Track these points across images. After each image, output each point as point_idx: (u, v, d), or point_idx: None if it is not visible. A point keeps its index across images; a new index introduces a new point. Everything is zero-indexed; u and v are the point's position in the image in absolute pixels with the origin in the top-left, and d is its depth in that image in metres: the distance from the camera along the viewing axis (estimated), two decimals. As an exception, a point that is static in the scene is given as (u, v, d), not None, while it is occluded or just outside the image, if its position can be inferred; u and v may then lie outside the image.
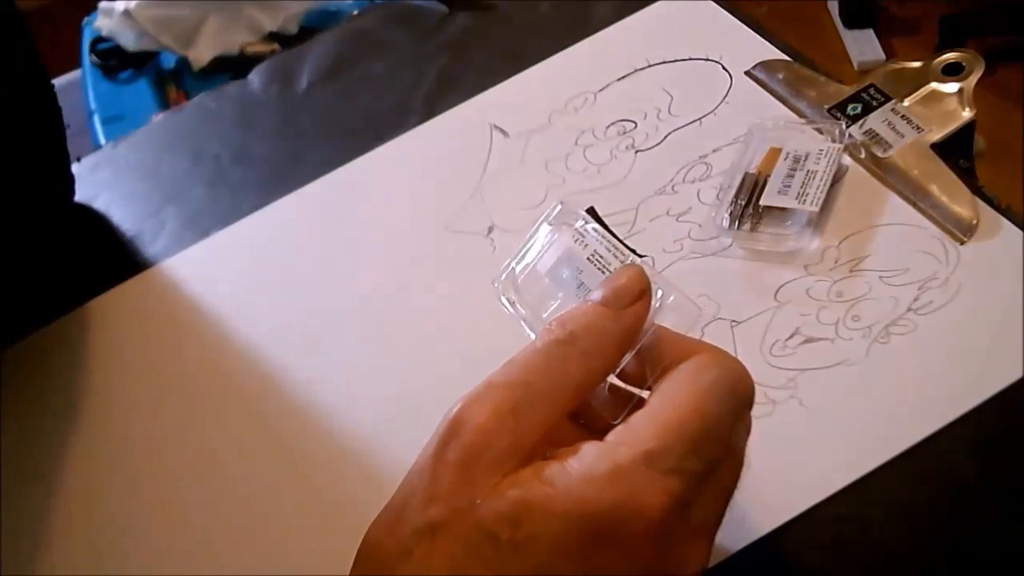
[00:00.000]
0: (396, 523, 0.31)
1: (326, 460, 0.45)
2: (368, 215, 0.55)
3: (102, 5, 1.25)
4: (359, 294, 0.51)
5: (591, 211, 0.38)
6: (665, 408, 0.32)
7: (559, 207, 0.39)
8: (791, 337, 0.44)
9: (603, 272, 0.37)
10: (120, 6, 1.21)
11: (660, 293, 0.36)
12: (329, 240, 0.54)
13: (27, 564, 0.44)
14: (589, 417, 0.36)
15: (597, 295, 0.34)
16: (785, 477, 0.39)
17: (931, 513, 0.38)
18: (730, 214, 0.48)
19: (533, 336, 0.38)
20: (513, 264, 0.40)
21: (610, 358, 0.33)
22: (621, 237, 0.37)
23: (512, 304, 0.39)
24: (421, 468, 0.31)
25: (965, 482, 0.39)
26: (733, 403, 0.33)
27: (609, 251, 0.37)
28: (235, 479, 0.45)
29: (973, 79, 0.50)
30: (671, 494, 0.30)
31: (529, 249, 0.40)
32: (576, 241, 0.38)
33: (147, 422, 0.49)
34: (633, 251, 0.37)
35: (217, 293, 0.54)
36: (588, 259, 0.37)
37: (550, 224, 0.39)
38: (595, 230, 0.38)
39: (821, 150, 0.48)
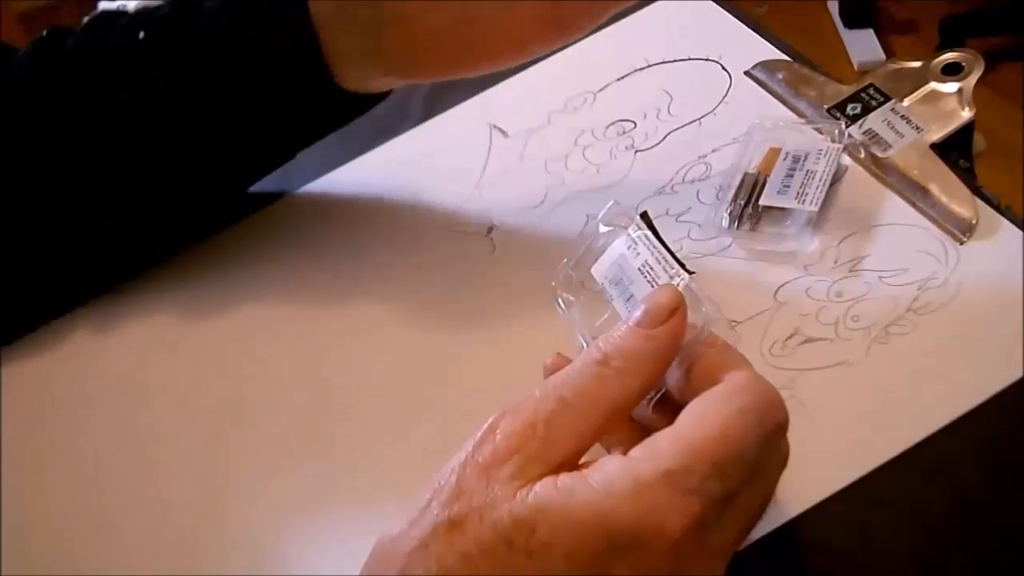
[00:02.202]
0: (419, 517, 0.31)
1: (325, 462, 0.45)
2: (368, 215, 0.55)
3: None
4: (359, 295, 0.51)
5: (644, 216, 0.38)
6: (691, 428, 0.32)
7: (612, 206, 0.39)
8: (791, 337, 0.44)
9: (652, 284, 0.37)
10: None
11: (705, 309, 0.36)
12: (329, 240, 0.54)
13: (27, 564, 0.44)
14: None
15: (634, 316, 0.35)
16: (785, 477, 0.39)
17: (931, 513, 0.38)
18: (729, 214, 0.48)
19: (580, 341, 0.38)
20: (570, 266, 0.40)
21: (646, 376, 0.34)
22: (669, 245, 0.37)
23: (567, 306, 0.39)
24: (451, 468, 0.32)
25: (965, 482, 0.39)
26: (762, 430, 0.32)
27: (659, 263, 0.37)
28: (238, 479, 0.45)
29: (973, 79, 0.50)
30: (690, 515, 0.30)
31: (586, 252, 0.40)
32: (629, 249, 0.38)
33: (148, 422, 0.49)
34: (683, 265, 0.37)
35: (216, 294, 0.53)
36: (639, 269, 0.37)
37: (607, 226, 0.39)
38: (647, 238, 0.38)
39: (820, 150, 0.48)
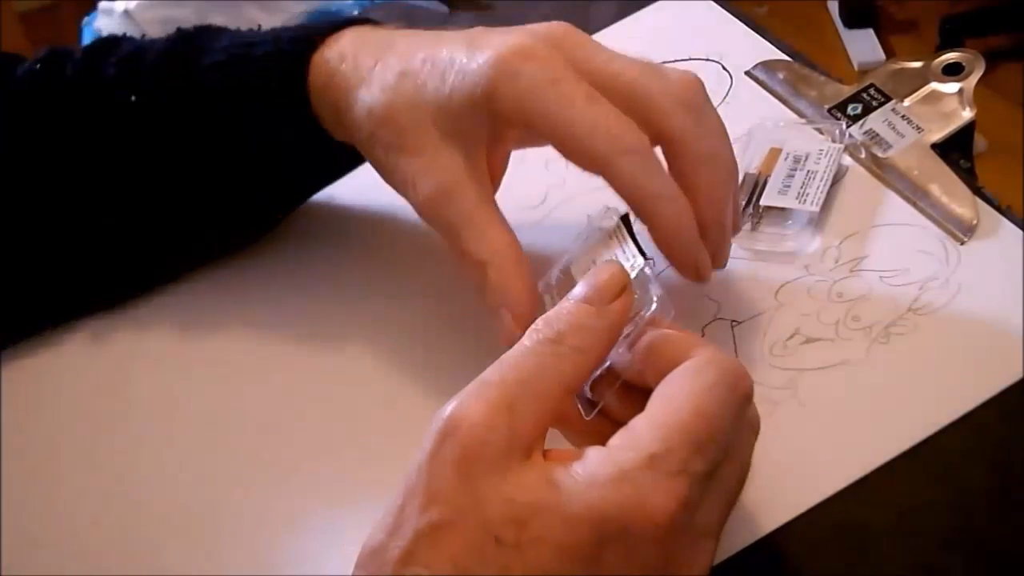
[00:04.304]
0: (397, 525, 0.31)
1: (326, 460, 0.45)
2: (368, 215, 0.55)
3: (102, 5, 1.25)
4: (359, 293, 0.51)
5: (624, 217, 0.39)
6: (666, 411, 0.32)
7: (605, 210, 0.40)
8: (791, 337, 0.44)
9: None
10: (120, 6, 1.21)
11: (652, 293, 0.36)
12: (327, 241, 0.54)
13: (27, 564, 0.44)
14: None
15: (580, 293, 0.35)
16: (785, 477, 0.39)
17: (931, 513, 0.38)
18: (730, 214, 0.48)
19: None
20: (556, 268, 0.41)
21: (598, 354, 0.34)
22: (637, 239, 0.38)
23: (552, 301, 0.40)
24: (419, 468, 0.31)
25: (965, 482, 0.39)
26: (734, 403, 0.33)
27: (623, 253, 0.38)
28: (238, 478, 0.45)
29: (973, 79, 0.50)
30: (677, 497, 0.30)
31: (575, 249, 0.41)
32: (604, 245, 0.39)
33: (150, 425, 0.49)
34: (642, 251, 0.37)
35: (217, 294, 0.53)
36: (607, 262, 0.38)
37: (599, 227, 0.40)
38: (620, 234, 0.39)
39: (821, 150, 0.48)
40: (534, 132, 0.40)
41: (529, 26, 0.41)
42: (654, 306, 0.36)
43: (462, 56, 0.40)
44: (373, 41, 0.44)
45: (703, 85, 0.41)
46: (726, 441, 0.32)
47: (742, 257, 0.47)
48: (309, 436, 0.46)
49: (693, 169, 0.39)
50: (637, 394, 0.35)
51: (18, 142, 0.49)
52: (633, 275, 0.36)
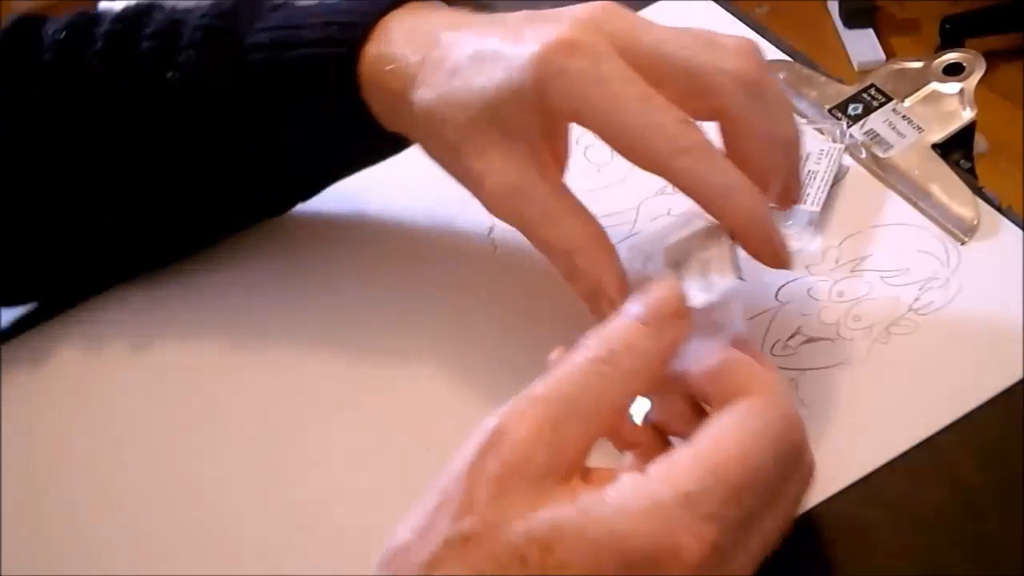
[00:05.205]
0: (427, 528, 0.31)
1: (326, 462, 0.45)
2: (368, 215, 0.55)
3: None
4: (359, 293, 0.51)
5: None
6: (709, 451, 0.31)
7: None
8: (792, 337, 0.44)
9: (703, 278, 0.36)
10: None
11: (733, 319, 0.35)
12: (328, 240, 0.54)
13: (27, 564, 0.44)
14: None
15: (637, 311, 0.34)
16: (785, 477, 0.39)
17: (931, 513, 0.38)
18: (731, 214, 0.48)
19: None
20: (654, 230, 0.41)
21: (649, 376, 0.33)
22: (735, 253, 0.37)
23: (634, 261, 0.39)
24: (458, 475, 0.31)
25: (966, 483, 0.39)
26: (781, 452, 0.32)
27: (720, 259, 0.37)
28: (239, 480, 0.45)
29: (974, 79, 0.50)
30: (708, 541, 0.30)
31: (673, 223, 0.39)
32: (704, 240, 0.38)
33: (150, 421, 0.49)
34: (739, 271, 0.36)
35: (216, 291, 0.53)
36: (700, 260, 0.37)
37: (701, 216, 0.39)
38: (720, 236, 0.37)
39: (822, 150, 0.48)
40: (587, 128, 0.39)
41: (571, 11, 0.39)
42: (732, 330, 0.35)
43: (507, 50, 0.39)
44: (419, 36, 0.42)
45: (759, 52, 0.40)
46: (767, 490, 0.32)
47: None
48: (310, 438, 0.46)
49: (749, 150, 0.38)
50: (693, 409, 0.35)
51: (47, 115, 0.48)
52: (721, 290, 0.35)
